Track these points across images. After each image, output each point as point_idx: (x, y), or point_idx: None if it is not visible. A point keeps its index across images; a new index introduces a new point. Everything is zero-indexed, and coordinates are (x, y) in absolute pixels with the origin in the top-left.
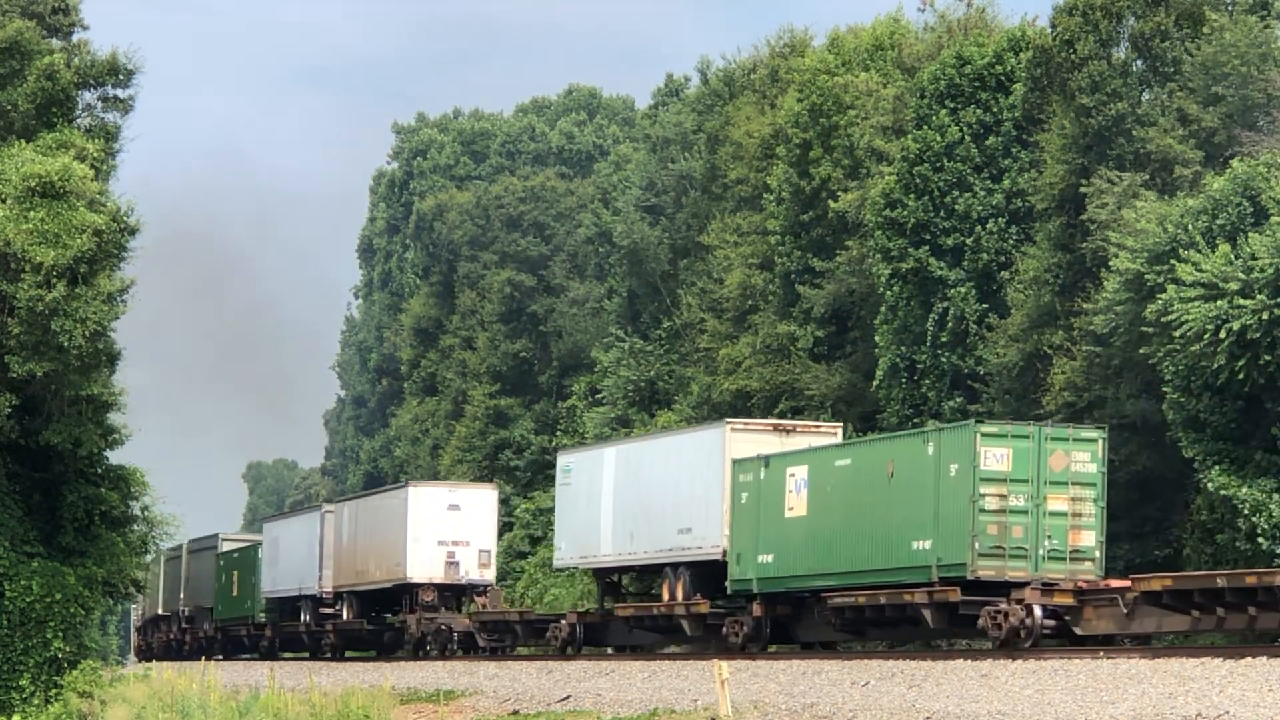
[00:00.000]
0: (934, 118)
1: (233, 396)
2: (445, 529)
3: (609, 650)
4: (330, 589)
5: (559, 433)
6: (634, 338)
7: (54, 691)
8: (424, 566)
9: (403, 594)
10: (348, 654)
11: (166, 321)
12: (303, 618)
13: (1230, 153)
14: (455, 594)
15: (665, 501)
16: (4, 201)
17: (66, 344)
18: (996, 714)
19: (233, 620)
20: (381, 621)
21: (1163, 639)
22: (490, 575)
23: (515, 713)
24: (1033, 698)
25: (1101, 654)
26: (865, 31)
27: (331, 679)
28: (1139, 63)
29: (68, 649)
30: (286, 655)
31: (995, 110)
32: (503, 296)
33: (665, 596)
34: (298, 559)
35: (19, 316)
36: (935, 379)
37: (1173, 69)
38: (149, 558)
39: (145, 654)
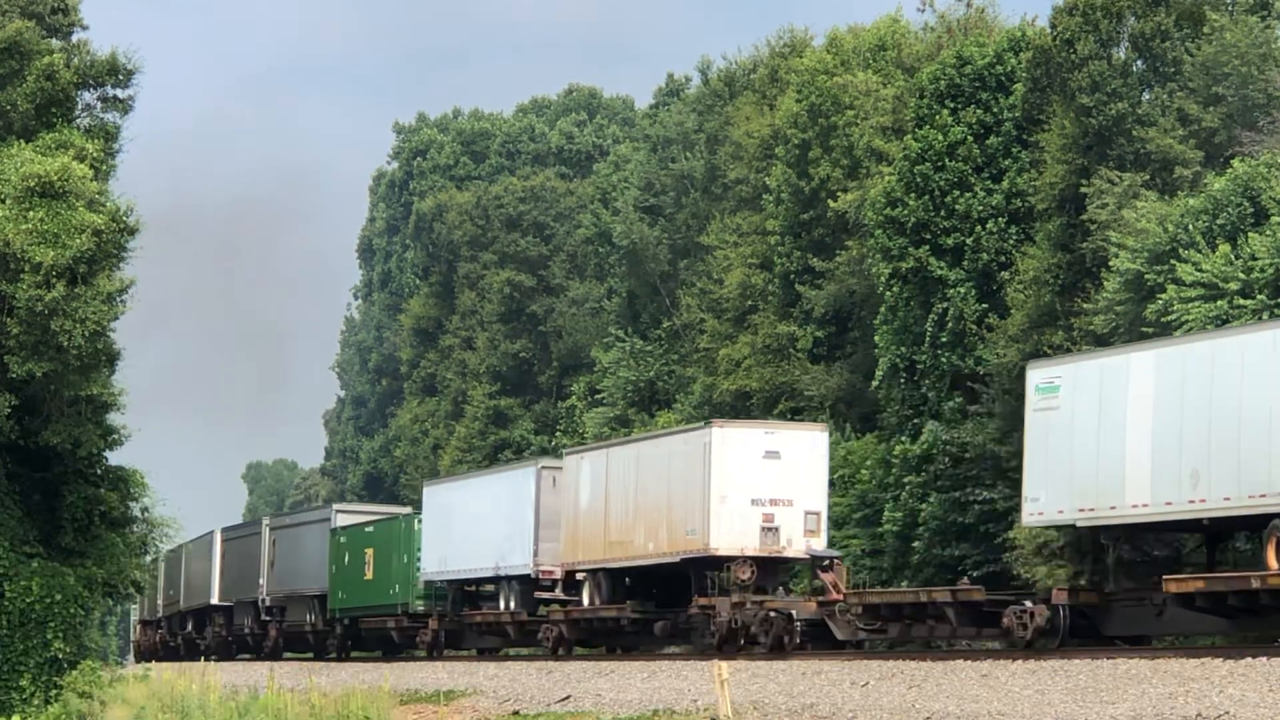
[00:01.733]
0: (934, 118)
1: (233, 395)
2: (761, 483)
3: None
4: (555, 566)
5: (559, 433)
6: (634, 338)
7: (54, 692)
8: (733, 534)
9: (699, 570)
10: (579, 650)
11: (166, 319)
12: (505, 603)
13: (1230, 153)
14: (772, 570)
15: None
16: (3, 201)
17: (66, 344)
18: (996, 714)
19: (366, 611)
20: (654, 607)
21: (1162, 639)
22: (820, 545)
23: (515, 713)
24: (1033, 698)
25: (1101, 654)
26: (865, 31)
27: (331, 679)
28: (1139, 63)
29: (67, 649)
30: (461, 653)
31: (995, 110)
32: (502, 296)
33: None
34: (491, 530)
35: (18, 316)
36: (935, 379)
37: (1173, 69)
38: (148, 558)
39: (150, 654)
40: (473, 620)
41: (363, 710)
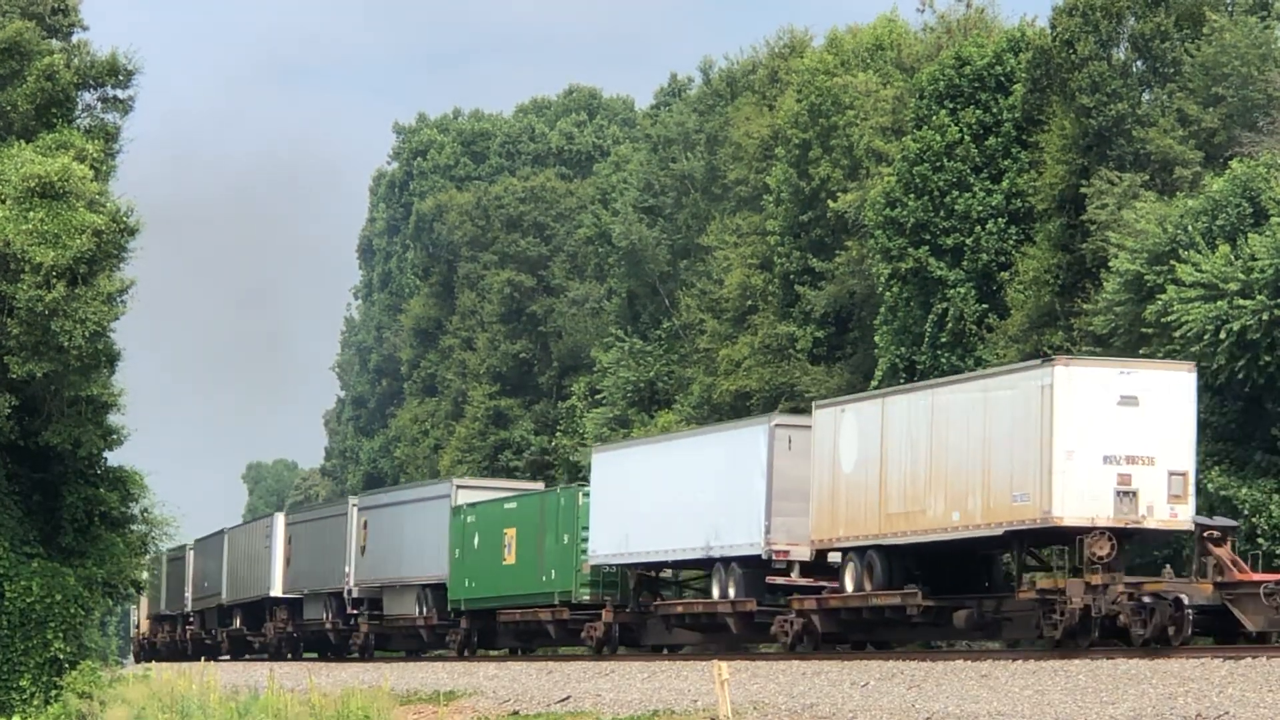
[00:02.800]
0: (933, 118)
1: (233, 395)
2: (1116, 436)
3: None
4: (793, 545)
5: (559, 433)
6: (633, 338)
7: (54, 692)
8: (1082, 499)
9: (1027, 545)
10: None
11: (165, 319)
12: (720, 590)
13: (1230, 153)
14: (1126, 546)
15: None
16: (4, 202)
17: (66, 344)
18: (996, 714)
19: (507, 602)
20: (946, 590)
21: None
22: (1186, 512)
23: (515, 713)
24: (1033, 698)
25: (1102, 654)
26: (863, 31)
27: (331, 679)
28: (1139, 63)
29: (67, 650)
30: (639, 650)
31: (995, 111)
32: (502, 297)
33: None
34: (698, 503)
35: (19, 317)
36: (932, 375)
37: (1173, 69)
38: (149, 557)
39: (172, 652)
40: (671, 611)
41: (363, 710)
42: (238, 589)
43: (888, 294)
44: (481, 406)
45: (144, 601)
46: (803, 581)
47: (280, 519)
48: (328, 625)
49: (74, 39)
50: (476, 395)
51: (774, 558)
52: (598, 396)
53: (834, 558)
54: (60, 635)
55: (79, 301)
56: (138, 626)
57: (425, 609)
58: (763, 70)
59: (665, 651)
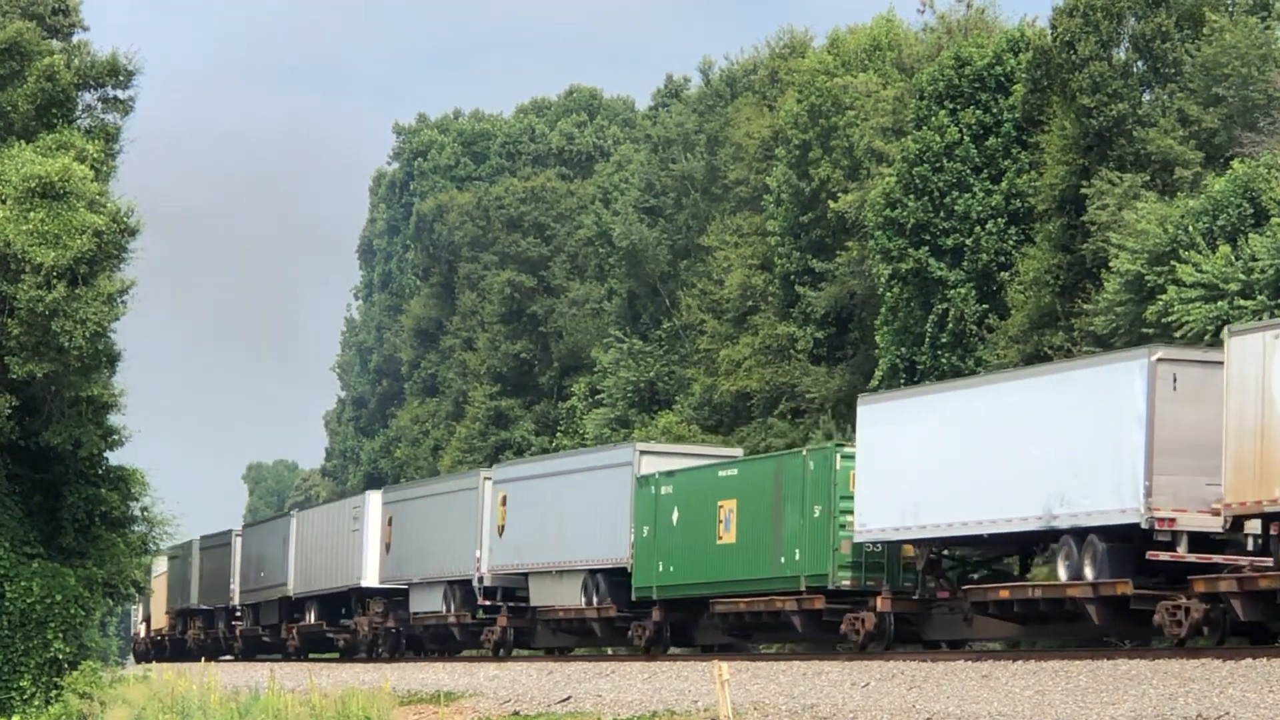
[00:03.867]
0: (933, 118)
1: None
2: None
3: None
4: (1183, 511)
5: (559, 434)
6: (633, 339)
7: (54, 693)
8: None
9: None
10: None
11: (164, 319)
12: (1068, 569)
13: (1230, 154)
14: None
15: None
16: (4, 202)
17: (67, 345)
18: (996, 714)
19: (723, 589)
20: None
21: (1163, 639)
22: None
23: (516, 714)
24: (1033, 698)
25: (1102, 654)
26: (862, 31)
27: (331, 680)
28: (1139, 64)
29: (68, 650)
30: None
31: (995, 111)
32: (503, 297)
33: None
34: (1031, 461)
35: (19, 317)
36: (935, 380)
37: (1173, 70)
38: (148, 558)
39: (201, 650)
40: (988, 598)
41: (363, 711)
42: (311, 579)
43: (888, 294)
44: (482, 407)
45: (156, 596)
46: (1217, 559)
47: (375, 498)
48: (451, 619)
49: (74, 39)
50: (477, 395)
51: (1156, 527)
52: (598, 397)
53: (1252, 526)
54: (60, 635)
55: (79, 302)
56: (145, 621)
57: (595, 598)
58: (763, 70)
59: (967, 648)
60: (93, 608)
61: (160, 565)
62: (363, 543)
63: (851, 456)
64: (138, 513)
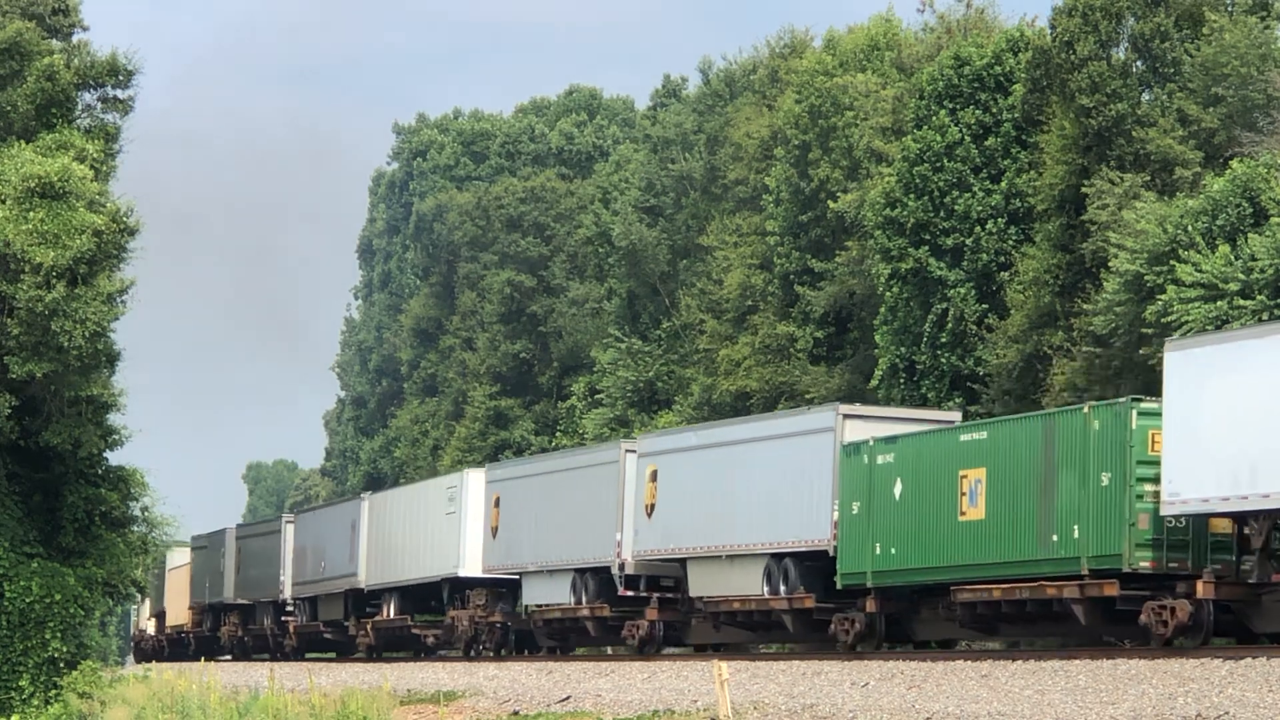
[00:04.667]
0: (933, 118)
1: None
2: None
3: None
4: None
5: (559, 433)
6: (633, 338)
7: (53, 692)
8: None
9: None
10: None
11: (165, 318)
12: None
13: (1230, 153)
14: None
15: None
16: (4, 202)
17: (66, 344)
18: (996, 714)
19: (964, 574)
20: None
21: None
22: None
23: (515, 713)
24: (1033, 698)
25: (1101, 654)
26: (860, 30)
27: (331, 679)
28: (1139, 63)
29: (67, 650)
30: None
31: (994, 111)
32: (503, 297)
33: None
34: None
35: (19, 317)
36: (935, 380)
37: (1172, 70)
38: (161, 549)
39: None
40: None
41: (362, 711)
42: (390, 569)
43: (888, 294)
44: (482, 406)
45: (174, 589)
46: None
47: (476, 476)
48: (583, 611)
49: (74, 39)
50: (477, 395)
51: None
52: (597, 397)
53: None
54: (60, 635)
55: (79, 301)
56: (156, 617)
57: (784, 586)
58: (762, 70)
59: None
60: (92, 607)
61: (177, 557)
62: (461, 526)
63: (1152, 414)
64: (137, 512)
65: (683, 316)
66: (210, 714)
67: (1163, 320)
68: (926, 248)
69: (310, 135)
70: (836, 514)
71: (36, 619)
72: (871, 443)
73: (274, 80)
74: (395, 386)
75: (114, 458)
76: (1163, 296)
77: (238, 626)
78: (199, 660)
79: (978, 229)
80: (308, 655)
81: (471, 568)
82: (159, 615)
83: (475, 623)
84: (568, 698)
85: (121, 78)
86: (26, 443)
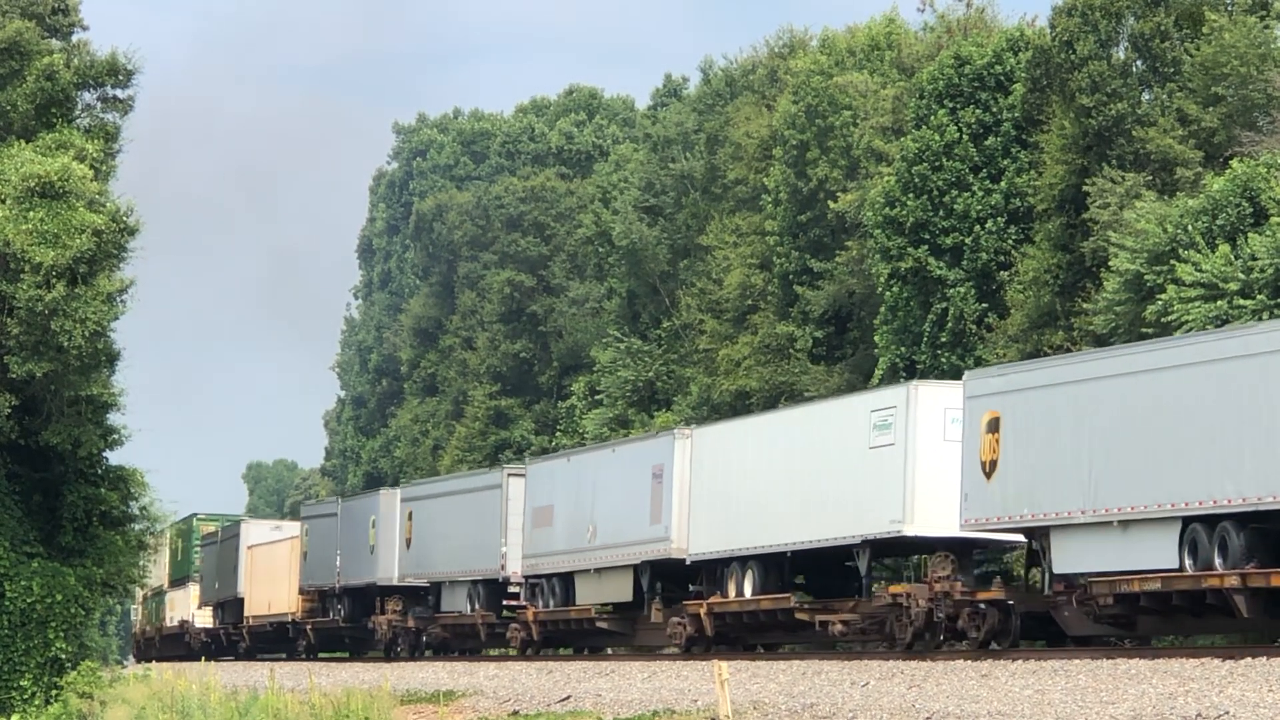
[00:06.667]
0: (933, 118)
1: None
2: None
3: None
4: None
5: (559, 433)
6: (632, 338)
7: (54, 692)
8: None
9: None
10: None
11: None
12: None
13: (1230, 153)
14: None
15: None
16: (3, 202)
17: (66, 344)
18: (996, 714)
19: None
20: None
21: (1163, 639)
22: None
23: (515, 713)
24: (1032, 698)
25: (1101, 654)
26: (860, 30)
27: (331, 679)
28: (1139, 63)
29: (68, 649)
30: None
31: (994, 110)
32: (502, 297)
33: None
34: None
35: (19, 317)
36: (935, 379)
37: (1172, 69)
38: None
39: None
40: None
41: (363, 710)
42: (558, 538)
43: (887, 294)
44: (482, 406)
45: (257, 571)
46: None
47: (679, 438)
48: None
49: (74, 39)
50: (477, 395)
51: None
52: (597, 396)
53: None
54: (60, 635)
55: (79, 301)
56: (221, 606)
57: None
58: (762, 70)
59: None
60: (92, 607)
61: (257, 532)
62: (663, 497)
63: None
64: (137, 511)
65: (682, 316)
66: (210, 714)
67: (1163, 320)
68: (926, 247)
69: (310, 135)
70: None
71: (38, 619)
72: None
73: (274, 80)
74: (395, 386)
75: (113, 457)
76: (1163, 296)
77: (401, 615)
78: (346, 658)
79: (977, 228)
80: (557, 651)
81: (692, 543)
82: (222, 604)
83: (732, 617)
84: (568, 697)
85: (121, 77)
86: (26, 442)
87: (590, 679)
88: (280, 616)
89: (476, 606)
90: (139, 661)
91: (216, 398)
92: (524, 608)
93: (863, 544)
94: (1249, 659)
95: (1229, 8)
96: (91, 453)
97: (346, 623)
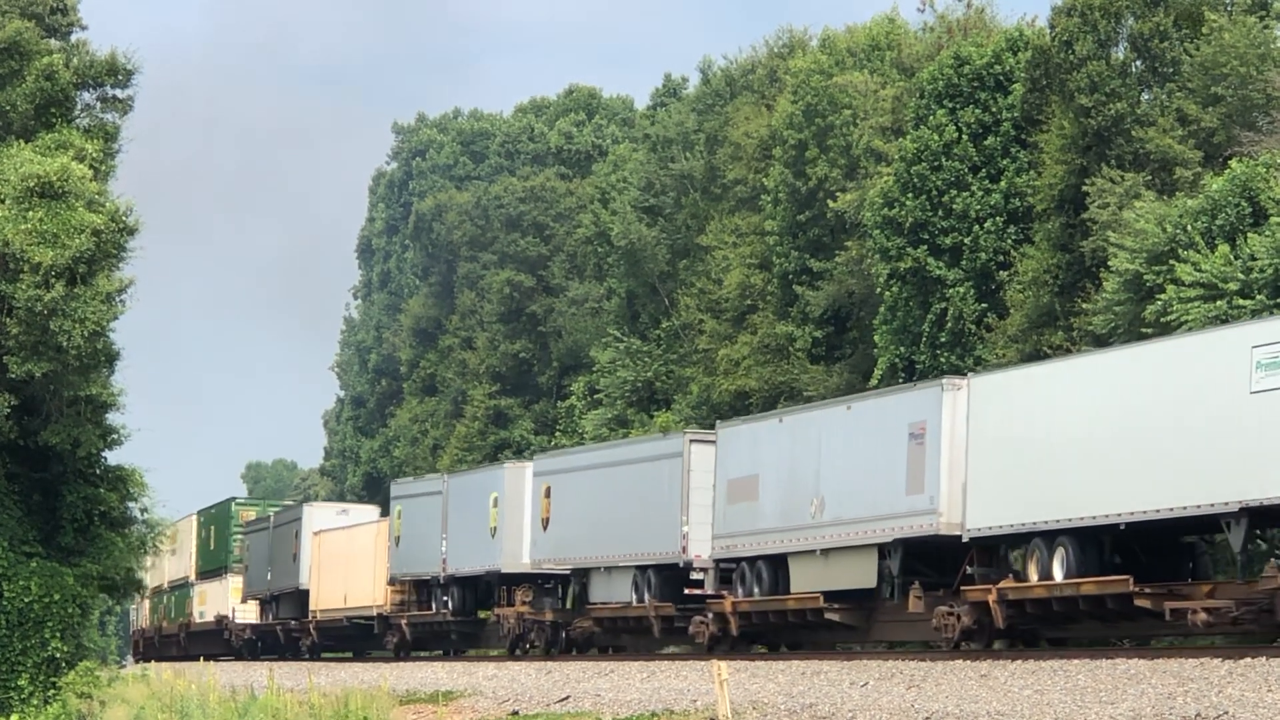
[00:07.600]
0: (932, 118)
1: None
2: None
3: None
4: None
5: (558, 433)
6: (632, 338)
7: (52, 692)
8: None
9: None
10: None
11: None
12: None
13: (1230, 153)
14: None
15: None
16: (3, 202)
17: (65, 344)
18: (996, 714)
19: None
20: None
21: (1162, 639)
22: None
23: (515, 713)
24: (1032, 698)
25: (1101, 654)
26: (860, 30)
27: (330, 679)
28: (1138, 63)
29: (66, 649)
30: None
31: (994, 110)
32: (502, 297)
33: None
34: None
35: (18, 317)
36: (934, 379)
37: (1172, 69)
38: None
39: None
40: None
41: (362, 710)
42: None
43: (887, 294)
44: (481, 406)
45: (328, 561)
46: None
47: (949, 389)
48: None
49: (73, 39)
50: (476, 395)
51: None
52: (596, 396)
53: None
54: (59, 635)
55: (78, 301)
56: (275, 600)
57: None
58: (761, 70)
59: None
60: (91, 607)
61: (323, 516)
62: (924, 462)
63: None
64: (136, 512)
65: (682, 316)
66: (210, 714)
67: (1162, 320)
68: (925, 247)
69: (310, 134)
70: None
71: (35, 619)
72: None
73: (274, 80)
74: (395, 386)
75: (113, 457)
76: (1162, 296)
77: (535, 608)
78: (449, 656)
79: (977, 228)
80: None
81: (976, 517)
82: (276, 598)
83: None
84: (567, 697)
85: (120, 77)
86: (26, 442)
87: (589, 679)
88: (362, 610)
89: (646, 596)
90: (136, 662)
91: (216, 397)
92: (716, 597)
93: (1241, 512)
94: (1249, 659)
95: (1228, 8)
96: (91, 453)
97: (456, 616)
